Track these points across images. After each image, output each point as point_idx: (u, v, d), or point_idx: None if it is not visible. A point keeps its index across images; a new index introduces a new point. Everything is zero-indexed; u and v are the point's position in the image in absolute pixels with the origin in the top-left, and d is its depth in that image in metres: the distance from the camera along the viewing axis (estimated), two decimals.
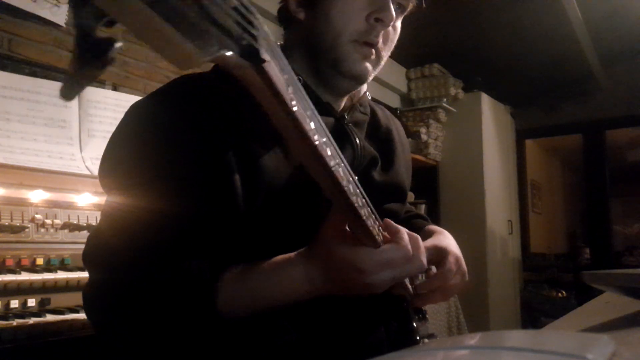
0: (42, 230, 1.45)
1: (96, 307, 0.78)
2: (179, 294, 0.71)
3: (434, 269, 0.91)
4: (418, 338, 0.92)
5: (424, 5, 0.93)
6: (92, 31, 0.32)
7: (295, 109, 0.45)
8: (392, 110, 3.65)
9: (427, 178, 4.02)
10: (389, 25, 0.86)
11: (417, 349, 0.61)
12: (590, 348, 0.36)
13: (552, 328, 0.75)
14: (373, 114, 1.04)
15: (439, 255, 0.91)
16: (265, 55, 0.39)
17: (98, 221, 0.83)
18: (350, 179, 0.59)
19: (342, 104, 0.96)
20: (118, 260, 0.73)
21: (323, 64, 0.87)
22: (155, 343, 0.74)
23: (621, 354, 0.39)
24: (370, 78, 0.91)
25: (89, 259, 0.79)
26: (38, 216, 1.44)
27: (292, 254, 0.74)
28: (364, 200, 0.64)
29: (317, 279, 0.71)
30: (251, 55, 0.38)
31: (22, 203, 1.42)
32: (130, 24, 0.32)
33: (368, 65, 0.87)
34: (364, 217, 0.64)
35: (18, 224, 1.39)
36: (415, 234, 0.76)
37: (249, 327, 0.78)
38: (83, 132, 1.71)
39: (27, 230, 1.41)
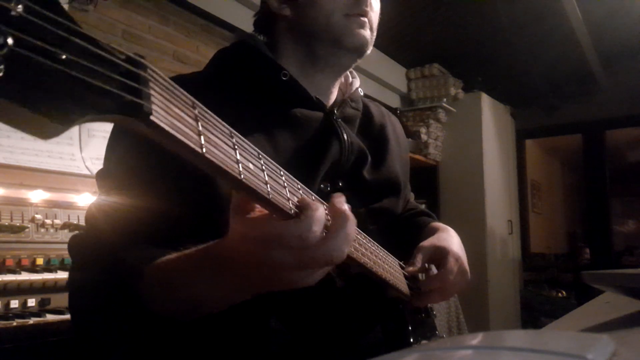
0: (42, 230, 1.45)
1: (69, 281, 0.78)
2: (110, 275, 0.68)
3: (433, 268, 0.91)
4: (412, 340, 0.91)
5: None
6: None
7: (204, 150, 0.43)
8: (392, 110, 3.64)
9: (427, 178, 4.02)
10: None
11: (416, 349, 0.61)
12: (590, 348, 0.36)
13: (552, 328, 0.75)
14: (366, 109, 1.03)
15: (438, 255, 0.90)
16: (152, 106, 0.38)
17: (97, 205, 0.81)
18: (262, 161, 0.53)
19: (333, 99, 0.96)
20: (93, 249, 0.73)
21: (321, 46, 0.90)
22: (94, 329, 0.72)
23: (621, 354, 0.39)
24: (369, 49, 0.93)
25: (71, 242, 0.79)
26: (38, 216, 1.44)
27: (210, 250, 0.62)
28: (276, 172, 0.56)
29: (216, 256, 0.60)
30: (134, 110, 0.36)
31: (22, 203, 1.42)
32: None
33: (366, 34, 0.90)
34: (261, 190, 0.51)
35: (18, 224, 1.39)
36: (343, 218, 0.58)
37: (240, 330, 0.77)
38: (83, 132, 1.71)
39: (27, 230, 1.41)
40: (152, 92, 0.38)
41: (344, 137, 0.90)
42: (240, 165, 0.48)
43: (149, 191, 0.72)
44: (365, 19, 0.90)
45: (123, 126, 0.38)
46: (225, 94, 0.82)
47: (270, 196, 0.52)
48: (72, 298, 0.75)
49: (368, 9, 0.90)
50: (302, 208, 0.55)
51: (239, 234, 0.56)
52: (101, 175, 0.81)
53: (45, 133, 0.32)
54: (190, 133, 0.42)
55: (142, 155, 0.72)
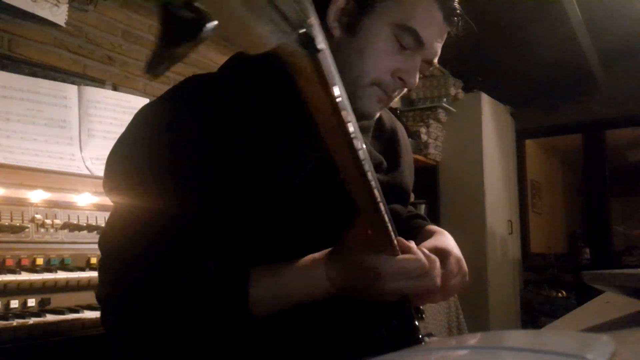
0: (42, 230, 1.45)
1: (111, 309, 0.78)
2: (208, 296, 0.73)
3: None
4: (420, 337, 0.92)
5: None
6: (178, 10, 0.34)
7: (339, 100, 0.48)
8: (392, 110, 3.64)
9: (427, 178, 4.01)
10: (408, 88, 0.89)
11: (417, 349, 0.61)
12: (590, 348, 0.36)
13: (552, 328, 0.75)
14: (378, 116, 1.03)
15: (440, 256, 0.90)
16: (321, 45, 0.42)
17: (106, 222, 0.83)
18: (376, 183, 0.62)
19: None
20: (131, 261, 0.74)
21: None
22: (176, 344, 0.75)
23: (621, 354, 0.39)
24: (376, 117, 0.95)
25: (102, 263, 0.79)
26: (38, 216, 1.44)
27: (316, 256, 0.77)
28: (385, 206, 0.67)
29: (338, 281, 0.76)
30: (308, 43, 0.40)
31: (22, 203, 1.42)
32: (210, 6, 0.34)
33: (379, 106, 0.89)
34: (387, 223, 0.68)
35: (18, 224, 1.39)
36: (434, 256, 0.79)
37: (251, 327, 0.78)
38: (83, 132, 1.71)
39: (27, 230, 1.41)
40: (317, 31, 0.41)
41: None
42: (351, 126, 0.52)
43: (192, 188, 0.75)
44: (386, 97, 0.88)
45: (291, 62, 0.43)
46: (246, 96, 0.82)
47: (364, 165, 0.58)
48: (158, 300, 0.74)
49: (396, 93, 0.89)
50: (405, 248, 0.76)
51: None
52: (118, 171, 0.80)
53: (253, 46, 0.37)
54: (332, 80, 0.47)
55: (175, 151, 0.76)
